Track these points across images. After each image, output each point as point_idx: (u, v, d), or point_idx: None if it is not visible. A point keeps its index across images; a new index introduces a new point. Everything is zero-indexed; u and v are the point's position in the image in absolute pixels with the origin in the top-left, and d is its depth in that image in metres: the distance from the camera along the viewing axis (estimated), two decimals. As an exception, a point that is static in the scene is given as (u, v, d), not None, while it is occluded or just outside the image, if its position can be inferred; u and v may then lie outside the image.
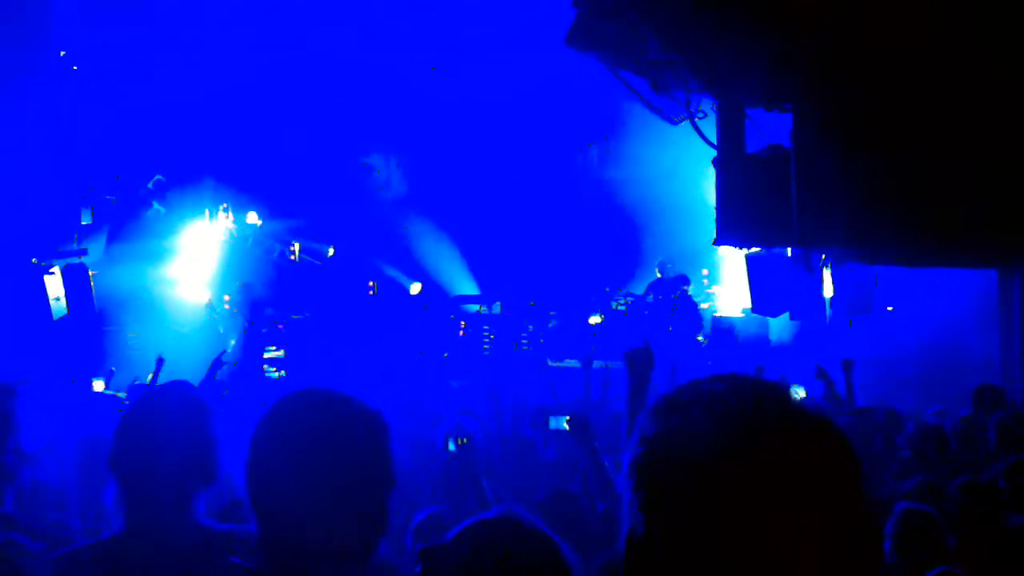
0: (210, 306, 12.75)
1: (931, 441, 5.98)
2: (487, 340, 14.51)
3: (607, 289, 15.19)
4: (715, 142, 7.55)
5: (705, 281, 15.27)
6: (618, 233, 15.85)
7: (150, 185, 12.96)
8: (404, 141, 16.26)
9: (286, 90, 14.71)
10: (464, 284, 16.47)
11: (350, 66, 15.03)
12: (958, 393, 8.36)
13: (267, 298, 13.17)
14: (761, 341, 13.10)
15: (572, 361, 11.85)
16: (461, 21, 15.09)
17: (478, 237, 16.32)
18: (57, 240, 10.76)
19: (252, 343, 12.60)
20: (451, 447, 4.64)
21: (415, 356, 13.20)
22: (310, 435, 1.85)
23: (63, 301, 10.09)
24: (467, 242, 16.49)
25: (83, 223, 11.64)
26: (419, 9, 15.07)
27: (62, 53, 11.83)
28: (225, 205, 13.67)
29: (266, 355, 12.75)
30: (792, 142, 6.78)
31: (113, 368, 10.26)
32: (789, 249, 9.08)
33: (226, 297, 13.06)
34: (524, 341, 14.51)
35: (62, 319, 10.10)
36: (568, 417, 4.52)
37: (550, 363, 10.27)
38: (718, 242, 7.85)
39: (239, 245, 13.65)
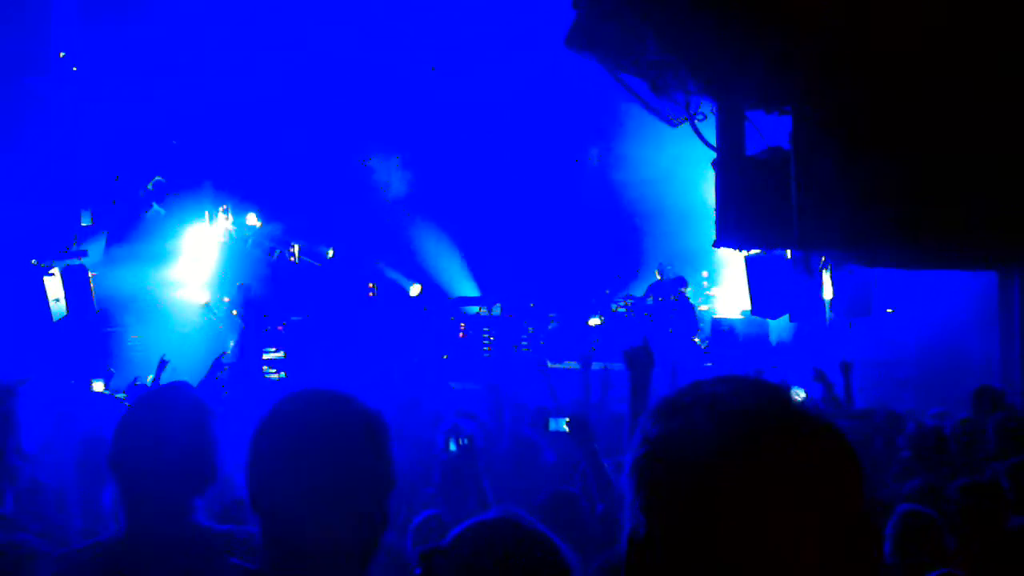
0: (207, 307, 12.76)
1: (930, 443, 5.98)
2: (487, 342, 14.51)
3: (607, 291, 15.20)
4: (714, 144, 7.56)
5: (705, 283, 15.28)
6: (618, 235, 15.87)
7: (150, 186, 12.97)
8: (404, 142, 16.26)
9: (286, 91, 14.72)
10: (464, 286, 16.47)
11: (350, 67, 15.03)
12: (958, 395, 8.36)
13: (266, 299, 13.16)
14: (761, 343, 13.10)
15: (572, 363, 11.85)
16: (461, 22, 15.10)
17: (478, 239, 16.33)
18: (57, 242, 10.77)
19: (252, 344, 12.60)
20: (451, 448, 4.64)
21: (415, 358, 13.19)
22: (310, 435, 1.85)
23: (63, 302, 10.10)
24: (467, 244, 16.50)
25: (83, 224, 11.65)
26: (419, 10, 15.07)
27: (62, 54, 11.83)
28: (225, 206, 13.68)
29: (266, 356, 12.75)
30: (791, 144, 6.79)
31: (113, 369, 10.27)
32: (789, 251, 9.08)
33: (225, 299, 13.06)
34: (524, 343, 14.52)
35: (62, 320, 10.11)
36: (568, 419, 4.52)
37: (549, 365, 10.26)
38: (718, 244, 7.85)
39: (238, 246, 13.65)
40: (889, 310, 12.56)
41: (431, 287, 16.07)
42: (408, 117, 15.73)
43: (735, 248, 8.62)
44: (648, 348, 3.93)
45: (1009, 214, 6.07)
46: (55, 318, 10.03)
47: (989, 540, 4.53)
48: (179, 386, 2.83)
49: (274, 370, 12.84)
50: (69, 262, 10.41)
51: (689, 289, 14.59)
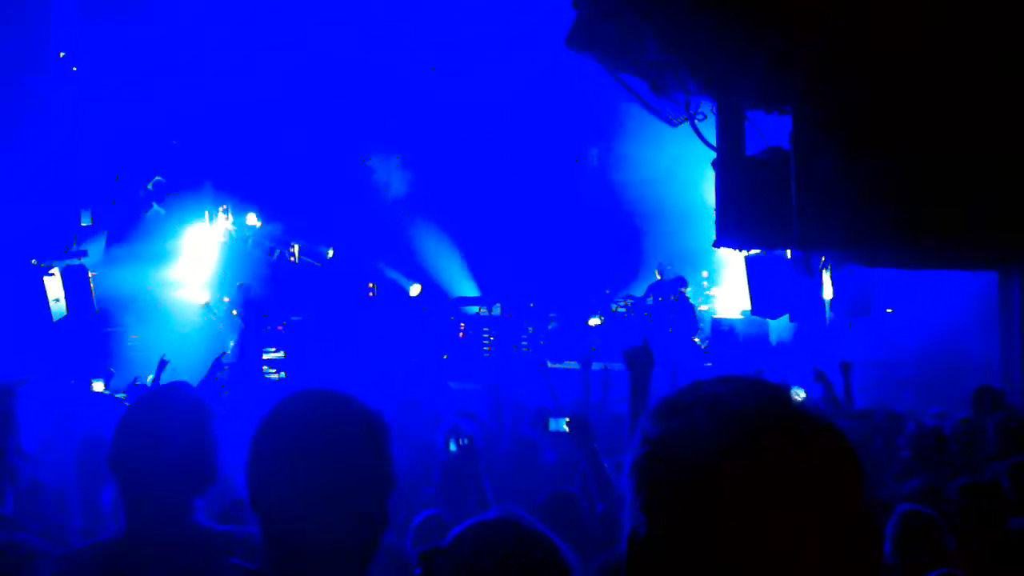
0: (207, 307, 12.76)
1: (930, 443, 5.98)
2: (487, 342, 14.51)
3: (607, 291, 15.20)
4: (714, 144, 7.55)
5: (705, 283, 15.28)
6: (618, 235, 15.87)
7: (150, 186, 12.97)
8: (404, 142, 16.26)
9: (286, 91, 14.72)
10: (464, 286, 16.47)
11: (350, 67, 15.04)
12: (958, 395, 8.36)
13: (266, 299, 13.16)
14: (761, 343, 13.10)
15: (572, 363, 11.85)
16: (461, 22, 15.10)
17: (478, 239, 16.33)
18: (57, 242, 10.77)
19: (252, 344, 12.60)
20: (452, 448, 4.64)
21: (415, 358, 13.19)
22: (310, 435, 1.85)
23: (63, 302, 10.11)
24: (467, 244, 16.50)
25: (83, 224, 11.65)
26: (419, 10, 15.07)
27: (62, 54, 11.84)
28: (225, 206, 13.68)
29: (266, 356, 12.75)
30: (791, 144, 6.79)
31: (112, 369, 10.27)
32: (789, 251, 9.08)
33: (225, 299, 13.06)
34: (524, 343, 14.52)
35: (62, 320, 10.11)
36: (568, 419, 4.52)
37: (549, 365, 10.26)
38: (718, 244, 7.85)
39: (238, 246, 13.65)
40: (889, 310, 12.57)
41: (431, 287, 16.07)
42: (408, 117, 15.74)
43: (735, 248, 8.62)
44: (648, 348, 3.93)
45: (1009, 214, 6.07)
46: (55, 318, 10.03)
47: (989, 540, 4.53)
48: (179, 386, 2.83)
49: (274, 370, 12.84)
50: (69, 262, 10.42)
51: (689, 289, 14.60)
